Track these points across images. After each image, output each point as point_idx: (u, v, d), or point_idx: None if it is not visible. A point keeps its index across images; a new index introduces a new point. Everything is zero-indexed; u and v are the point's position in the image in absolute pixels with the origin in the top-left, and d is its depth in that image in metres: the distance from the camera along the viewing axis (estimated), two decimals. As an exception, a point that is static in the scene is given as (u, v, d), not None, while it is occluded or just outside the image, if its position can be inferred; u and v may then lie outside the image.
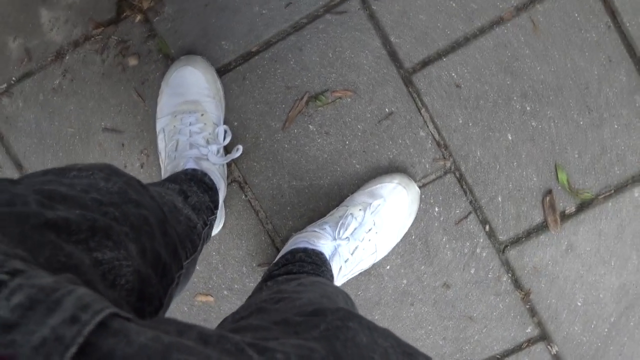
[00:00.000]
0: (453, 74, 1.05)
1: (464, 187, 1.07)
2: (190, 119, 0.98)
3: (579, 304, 1.07)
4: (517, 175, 1.05)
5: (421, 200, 1.07)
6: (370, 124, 1.07)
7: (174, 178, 0.87)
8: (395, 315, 1.10)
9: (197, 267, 1.10)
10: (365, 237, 0.99)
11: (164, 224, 0.60)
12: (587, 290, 1.06)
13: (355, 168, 1.08)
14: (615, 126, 1.03)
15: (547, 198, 1.05)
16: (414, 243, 1.08)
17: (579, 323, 1.07)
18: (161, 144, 1.01)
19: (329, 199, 1.09)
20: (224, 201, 1.07)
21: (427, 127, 1.06)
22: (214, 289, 1.13)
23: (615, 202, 1.04)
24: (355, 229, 0.99)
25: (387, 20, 1.04)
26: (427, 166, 1.07)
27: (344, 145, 1.07)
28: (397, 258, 1.09)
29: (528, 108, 1.04)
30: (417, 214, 1.06)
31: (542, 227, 1.06)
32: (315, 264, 0.92)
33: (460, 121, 1.05)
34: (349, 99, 1.07)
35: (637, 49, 1.01)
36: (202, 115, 0.99)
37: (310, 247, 0.96)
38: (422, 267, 1.09)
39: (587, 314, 1.07)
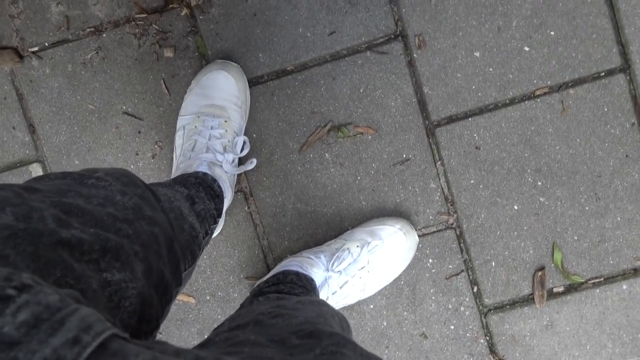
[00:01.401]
0: (475, 136, 1.07)
1: (462, 245, 1.09)
2: (212, 123, 0.98)
3: (548, 381, 1.09)
4: (515, 245, 1.08)
5: (418, 249, 1.09)
6: (385, 165, 1.08)
7: (184, 181, 0.87)
8: (369, 354, 1.12)
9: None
10: (357, 274, 1.01)
11: (171, 242, 0.61)
12: (558, 369, 1.09)
13: (361, 204, 1.09)
14: (618, 219, 1.06)
15: (539, 273, 1.07)
16: (401, 288, 1.10)
17: (543, 399, 1.09)
18: (179, 141, 1.01)
19: (329, 228, 1.10)
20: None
21: (439, 180, 1.08)
22: (197, 292, 1.13)
23: (603, 290, 1.07)
24: (349, 264, 1.00)
25: (425, 71, 1.06)
26: (431, 217, 1.09)
27: (355, 180, 1.09)
28: (382, 299, 1.10)
29: (539, 183, 1.07)
30: (411, 261, 1.08)
31: (528, 300, 1.08)
32: (305, 288, 0.93)
33: (472, 181, 1.07)
34: (370, 137, 1.08)
35: (654, 150, 1.04)
36: (225, 121, 0.99)
37: (303, 272, 0.97)
38: (405, 312, 1.10)
39: (553, 392, 1.09)
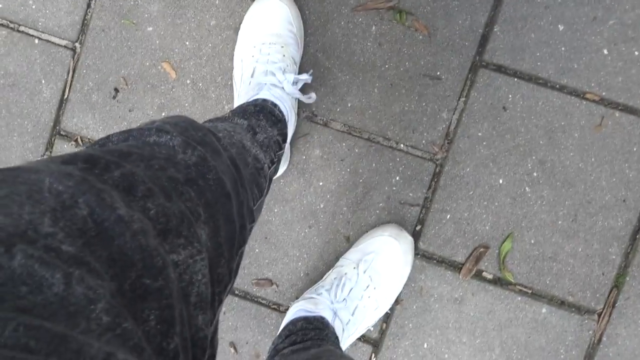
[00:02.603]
0: (509, 96, 1.04)
1: (433, 182, 1.06)
2: (270, 50, 0.98)
3: (425, 346, 1.07)
4: (477, 213, 1.05)
5: (392, 159, 1.06)
6: (416, 70, 1.05)
7: (243, 111, 0.86)
8: (290, 221, 1.09)
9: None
10: (363, 294, 0.99)
11: (237, 184, 0.59)
12: (441, 342, 1.07)
13: (374, 90, 1.06)
14: (579, 249, 1.04)
15: (481, 250, 1.05)
16: (357, 185, 1.07)
17: (409, 359, 1.07)
18: (237, 73, 1.01)
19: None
20: (291, 140, 1.06)
21: (452, 114, 1.05)
22: (181, 74, 1.10)
23: (524, 301, 1.05)
24: (351, 289, 0.99)
25: (507, 11, 1.03)
26: (423, 141, 1.06)
27: (382, 65, 1.06)
28: (334, 184, 1.08)
29: (535, 174, 1.04)
30: (381, 168, 1.05)
31: (456, 267, 1.06)
32: (318, 329, 0.93)
33: (480, 134, 1.05)
34: (420, 37, 1.05)
35: (650, 212, 1.02)
36: (282, 47, 0.99)
37: (310, 314, 0.96)
38: (345, 208, 1.08)
39: (423, 358, 1.07)
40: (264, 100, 0.91)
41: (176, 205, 0.47)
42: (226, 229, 0.53)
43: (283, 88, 0.94)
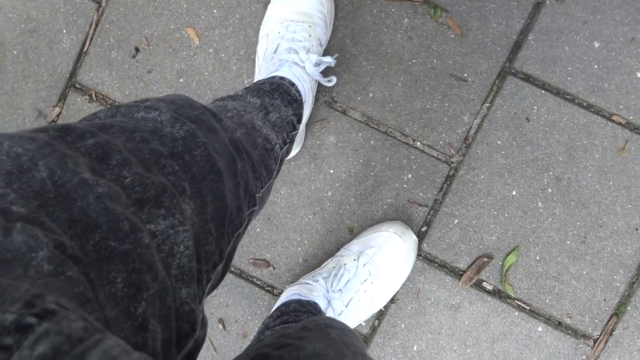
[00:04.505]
0: (535, 108, 1.02)
1: (445, 185, 1.04)
2: (296, 27, 0.96)
3: (414, 348, 1.05)
4: (486, 222, 1.03)
5: (406, 157, 1.04)
6: (443, 69, 1.03)
7: (257, 90, 0.84)
8: (295, 205, 1.07)
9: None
10: (360, 288, 0.97)
11: (234, 164, 0.56)
12: (431, 347, 1.05)
13: (397, 84, 1.04)
14: (584, 272, 1.02)
15: (484, 259, 1.03)
16: (367, 177, 1.05)
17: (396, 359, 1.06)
18: (261, 49, 0.99)
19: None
20: (307, 123, 1.04)
21: (474, 119, 1.03)
22: (205, 39, 1.08)
23: (521, 317, 1.03)
24: (348, 280, 0.97)
25: (544, 21, 1.00)
26: (440, 142, 1.04)
27: (410, 59, 1.04)
28: (345, 174, 1.06)
29: (549, 190, 1.02)
30: (394, 163, 1.03)
31: (457, 274, 1.04)
32: (310, 313, 0.91)
33: (499, 142, 1.03)
34: (452, 35, 1.03)
35: (662, 244, 1.00)
36: (309, 26, 0.97)
37: (304, 299, 0.95)
38: (352, 199, 1.06)
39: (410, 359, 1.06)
40: (282, 78, 0.89)
41: (156, 177, 0.46)
42: (214, 206, 0.51)
43: (304, 68, 0.92)
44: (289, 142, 0.82)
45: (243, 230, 0.60)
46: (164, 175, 0.47)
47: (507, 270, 1.03)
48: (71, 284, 0.33)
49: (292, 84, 0.89)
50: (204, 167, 0.51)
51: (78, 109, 1.12)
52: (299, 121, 0.89)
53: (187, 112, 0.55)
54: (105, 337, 0.30)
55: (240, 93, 0.82)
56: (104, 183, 0.41)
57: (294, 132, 0.86)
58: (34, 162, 0.39)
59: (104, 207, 0.39)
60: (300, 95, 0.90)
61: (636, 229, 1.01)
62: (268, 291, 1.09)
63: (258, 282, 1.09)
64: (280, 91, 0.86)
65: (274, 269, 1.08)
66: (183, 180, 0.48)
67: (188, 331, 0.44)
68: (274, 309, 0.99)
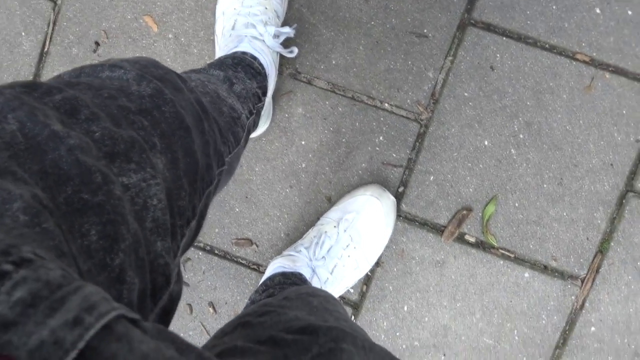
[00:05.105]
0: (498, 56, 1.01)
1: (417, 143, 1.04)
2: (252, 2, 0.96)
3: (405, 309, 1.06)
4: (461, 175, 1.03)
5: (375, 119, 1.04)
6: (403, 27, 1.03)
7: (220, 63, 0.84)
8: (271, 180, 1.07)
9: None
10: (343, 253, 0.97)
11: (201, 122, 0.56)
12: (421, 305, 1.05)
13: (359, 47, 1.04)
14: (564, 214, 1.02)
15: (464, 212, 1.03)
16: (339, 145, 1.05)
17: (388, 322, 1.06)
18: (219, 27, 0.99)
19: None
20: (273, 97, 1.03)
21: (439, 74, 1.03)
22: (164, 28, 1.08)
23: (506, 265, 1.03)
24: (330, 247, 0.97)
25: (497, -38, 1.00)
26: (408, 101, 1.04)
27: (368, 22, 1.03)
28: (316, 143, 1.06)
29: (521, 136, 1.02)
30: (364, 128, 1.03)
31: (438, 230, 1.04)
32: (295, 284, 0.91)
33: (466, 94, 1.02)
34: (408, -7, 1.02)
35: (636, 179, 1.00)
36: (265, 0, 0.97)
37: (289, 270, 0.95)
38: (327, 168, 1.06)
39: (403, 321, 1.06)
40: (243, 52, 0.89)
41: (126, 131, 0.45)
42: (186, 161, 0.51)
43: (264, 41, 0.92)
44: (255, 113, 0.83)
45: (214, 188, 0.60)
46: (134, 130, 0.47)
47: (487, 220, 1.03)
48: (47, 236, 0.33)
49: (254, 58, 0.89)
50: (173, 124, 0.51)
51: (46, 110, 1.12)
52: (264, 94, 0.89)
53: (152, 71, 0.55)
54: (85, 284, 0.30)
55: (203, 67, 0.82)
56: (75, 135, 0.40)
57: (260, 104, 0.86)
58: (3, 115, 0.38)
59: (76, 159, 0.39)
60: (263, 68, 0.90)
61: (611, 165, 1.00)
62: (254, 269, 1.09)
63: (243, 262, 1.09)
64: (242, 65, 0.86)
65: (257, 246, 1.08)
66: (153, 136, 0.48)
67: (163, 284, 0.44)
68: (260, 283, 0.99)
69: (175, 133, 0.51)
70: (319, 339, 0.47)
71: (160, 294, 0.43)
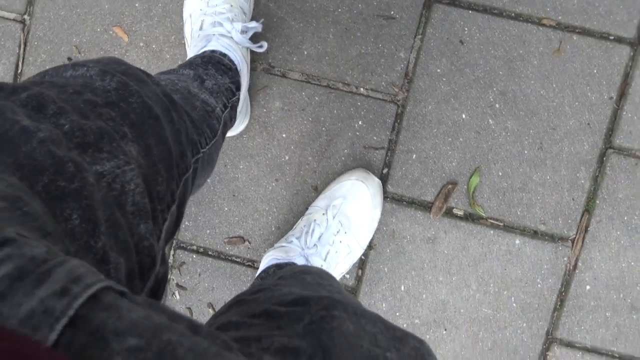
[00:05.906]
0: (466, 29, 1.03)
1: (396, 124, 1.05)
2: (217, 1, 0.97)
3: (402, 288, 1.06)
4: (443, 150, 1.04)
5: (353, 105, 1.05)
6: (369, 11, 1.04)
7: (189, 63, 0.85)
8: (256, 176, 1.08)
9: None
10: (334, 239, 0.98)
11: (169, 112, 0.57)
12: (418, 283, 1.06)
13: (328, 36, 1.05)
14: (548, 177, 1.03)
15: (449, 186, 1.04)
16: (320, 134, 1.06)
17: (387, 303, 1.07)
18: (188, 30, 1.00)
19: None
20: (250, 93, 1.04)
21: (410, 53, 1.04)
22: (134, 37, 1.08)
23: (496, 234, 1.04)
24: (321, 234, 0.98)
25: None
26: (383, 83, 1.05)
27: (335, 9, 1.04)
28: (297, 134, 1.07)
29: (497, 106, 1.03)
30: (342, 115, 1.04)
31: (426, 207, 1.05)
32: None
33: (439, 71, 1.03)
34: (371, -23, 1.04)
35: (614, 136, 1.01)
36: None
37: (282, 261, 0.95)
38: (310, 157, 1.07)
39: (401, 301, 1.07)
40: (212, 51, 0.90)
41: (94, 122, 0.46)
42: (159, 148, 0.52)
43: (232, 37, 0.93)
44: (230, 107, 0.83)
45: (191, 176, 0.61)
46: (103, 121, 0.47)
47: (473, 192, 1.04)
48: (29, 217, 0.34)
49: (224, 55, 0.90)
50: (142, 113, 0.52)
51: (26, 131, 1.12)
52: (238, 88, 0.90)
53: (114, 67, 0.56)
54: (69, 258, 0.31)
55: (173, 69, 0.83)
56: (45, 128, 0.41)
57: (234, 98, 0.86)
58: None
59: (48, 151, 0.40)
60: (233, 64, 0.91)
61: (588, 124, 1.02)
62: (249, 266, 1.10)
63: (237, 260, 1.10)
64: (212, 62, 0.87)
65: (250, 243, 1.09)
66: (122, 126, 0.49)
67: (149, 265, 0.45)
68: (254, 278, 1.00)
69: (145, 122, 0.52)
70: (310, 308, 0.48)
71: (148, 275, 0.44)
